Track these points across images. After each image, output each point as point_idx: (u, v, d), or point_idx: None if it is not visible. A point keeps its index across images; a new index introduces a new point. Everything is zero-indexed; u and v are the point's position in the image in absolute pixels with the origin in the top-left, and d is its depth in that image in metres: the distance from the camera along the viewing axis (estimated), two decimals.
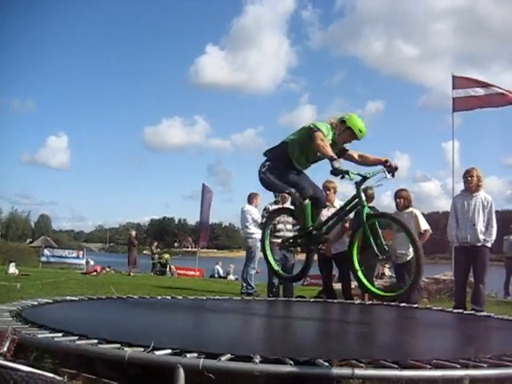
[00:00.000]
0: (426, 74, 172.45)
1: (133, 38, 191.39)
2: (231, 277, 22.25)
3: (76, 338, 3.14)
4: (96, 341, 3.05)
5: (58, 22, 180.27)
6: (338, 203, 7.90)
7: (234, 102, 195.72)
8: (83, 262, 23.56)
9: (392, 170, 4.91)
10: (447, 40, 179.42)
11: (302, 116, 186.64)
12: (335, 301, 7.24)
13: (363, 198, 4.79)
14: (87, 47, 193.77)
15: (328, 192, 7.83)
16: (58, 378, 2.39)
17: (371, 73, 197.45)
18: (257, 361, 2.69)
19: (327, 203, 7.86)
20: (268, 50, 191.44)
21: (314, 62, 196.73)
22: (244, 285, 9.80)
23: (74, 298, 5.71)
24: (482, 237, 6.85)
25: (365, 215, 4.65)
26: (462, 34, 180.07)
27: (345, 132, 4.93)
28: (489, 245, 6.88)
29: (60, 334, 3.24)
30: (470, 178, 7.01)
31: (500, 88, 12.72)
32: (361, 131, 4.87)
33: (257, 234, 9.57)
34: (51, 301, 5.29)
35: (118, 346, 2.94)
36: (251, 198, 9.91)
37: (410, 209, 7.53)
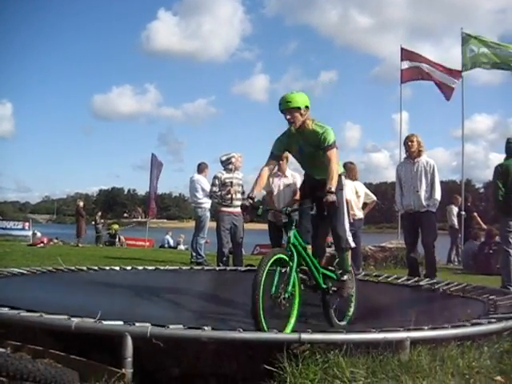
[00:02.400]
0: (380, 45, 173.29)
1: (83, 2, 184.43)
2: (181, 247, 22.17)
3: (22, 310, 3.08)
4: (42, 313, 3.00)
5: None
6: (289, 173, 7.98)
7: (186, 70, 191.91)
8: (29, 233, 22.91)
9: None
10: (401, 11, 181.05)
11: (255, 85, 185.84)
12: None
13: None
14: (33, 10, 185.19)
15: (281, 162, 7.90)
16: (0, 349, 2.35)
17: (325, 42, 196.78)
18: (205, 328, 2.71)
19: (279, 172, 7.95)
20: (222, 17, 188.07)
21: (268, 31, 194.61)
22: (194, 254, 9.80)
23: (18, 271, 5.55)
24: (425, 202, 6.84)
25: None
26: (416, 6, 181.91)
27: None
28: (433, 209, 6.86)
29: (4, 307, 3.16)
30: (410, 144, 7.02)
31: (443, 67, 13.06)
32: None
33: (206, 203, 9.56)
34: None
35: (65, 316, 2.90)
36: (201, 168, 9.86)
37: (352, 183, 7.80)
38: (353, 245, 4.22)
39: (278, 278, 3.40)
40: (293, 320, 3.32)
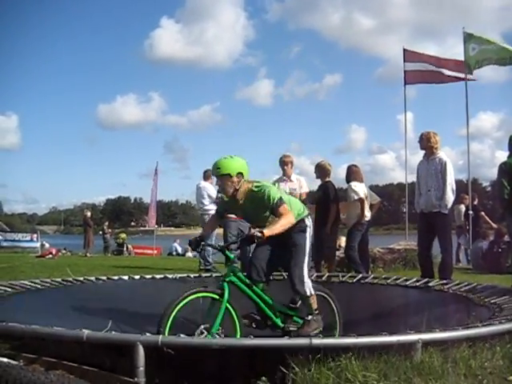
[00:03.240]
0: (383, 46, 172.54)
1: (85, 11, 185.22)
2: (189, 254, 22.15)
3: (32, 322, 3.09)
4: (53, 325, 3.01)
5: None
6: (295, 177, 8.00)
7: (190, 77, 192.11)
8: (37, 245, 23.01)
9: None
10: (404, 12, 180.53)
11: (260, 90, 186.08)
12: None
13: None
14: (36, 22, 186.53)
15: (286, 167, 7.93)
16: (13, 362, 2.36)
17: (329, 45, 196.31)
18: (217, 335, 2.72)
19: (285, 177, 7.97)
20: (225, 23, 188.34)
21: (271, 36, 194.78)
22: (202, 261, 9.80)
23: (28, 283, 5.57)
24: (436, 202, 6.68)
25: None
26: (419, 6, 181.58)
27: None
28: (444, 211, 6.66)
29: (16, 320, 3.18)
30: (423, 142, 6.94)
31: (449, 60, 13.03)
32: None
33: (213, 210, 9.55)
34: (5, 285, 5.17)
35: (76, 328, 2.91)
36: (207, 175, 9.86)
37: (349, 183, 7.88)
38: (310, 293, 3.90)
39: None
40: None
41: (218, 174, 3.96)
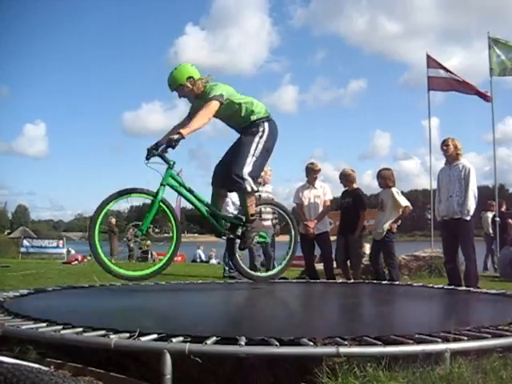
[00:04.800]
0: (408, 51, 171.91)
1: (111, 21, 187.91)
2: (213, 261, 22.25)
3: (60, 327, 3.13)
4: (81, 329, 3.05)
5: (31, 6, 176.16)
6: (319, 184, 7.98)
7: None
8: (64, 251, 23.32)
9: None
10: (430, 16, 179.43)
11: (284, 97, 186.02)
12: (318, 281, 7.31)
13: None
14: (63, 32, 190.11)
15: (313, 175, 7.90)
16: (44, 368, 2.39)
17: (353, 51, 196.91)
18: (242, 343, 2.72)
19: (308, 184, 7.95)
20: (249, 29, 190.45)
21: (296, 42, 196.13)
22: (226, 268, 9.83)
23: (56, 288, 5.67)
24: (458, 208, 6.61)
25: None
26: (446, 10, 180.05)
27: None
28: (466, 218, 6.58)
29: (44, 324, 3.23)
30: (445, 148, 6.88)
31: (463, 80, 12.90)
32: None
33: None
34: (33, 291, 5.25)
35: (103, 333, 2.94)
36: None
37: (390, 188, 7.60)
38: (251, 189, 4.17)
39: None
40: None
41: (171, 90, 4.08)
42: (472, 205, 6.61)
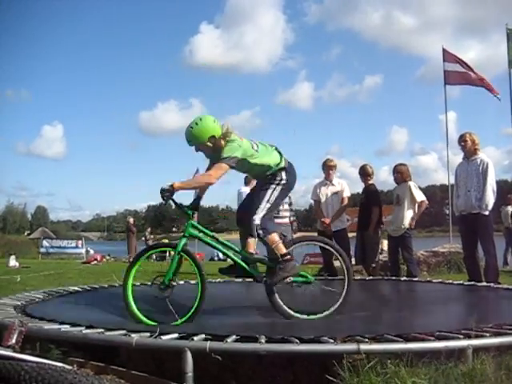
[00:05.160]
0: (425, 45, 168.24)
1: (125, 21, 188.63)
2: (221, 255, 22.29)
3: (83, 327, 3.17)
4: (102, 329, 3.08)
5: (48, 9, 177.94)
6: (336, 181, 7.94)
7: (230, 82, 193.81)
8: (83, 251, 23.58)
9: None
10: (446, 9, 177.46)
11: (300, 93, 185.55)
12: (336, 278, 7.28)
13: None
14: (79, 34, 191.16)
15: (330, 171, 7.85)
16: (67, 366, 2.42)
17: (369, 46, 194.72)
18: (262, 341, 2.72)
19: (326, 181, 7.91)
20: (264, 27, 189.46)
21: (310, 38, 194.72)
22: None
23: (76, 288, 5.72)
24: (476, 203, 6.52)
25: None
26: (462, 2, 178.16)
27: None
28: (485, 212, 6.48)
29: (66, 325, 3.27)
30: (463, 143, 6.78)
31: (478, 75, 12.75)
32: None
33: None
34: (55, 292, 5.31)
35: (124, 332, 2.97)
36: (248, 180, 9.88)
37: (407, 182, 7.55)
38: (264, 234, 4.10)
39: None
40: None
41: (190, 145, 4.05)
42: (490, 199, 6.53)
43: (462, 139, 6.82)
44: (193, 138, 3.99)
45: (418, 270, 7.76)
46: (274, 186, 4.15)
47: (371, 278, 7.25)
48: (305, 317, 3.94)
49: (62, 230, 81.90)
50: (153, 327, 2.97)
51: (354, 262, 8.13)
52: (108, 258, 20.74)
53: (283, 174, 4.21)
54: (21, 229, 74.54)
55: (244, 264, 4.14)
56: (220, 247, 4.21)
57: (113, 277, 7.79)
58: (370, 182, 7.93)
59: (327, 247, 4.50)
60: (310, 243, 4.76)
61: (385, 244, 9.93)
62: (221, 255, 23.74)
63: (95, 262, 16.80)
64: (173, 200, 4.07)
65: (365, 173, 7.93)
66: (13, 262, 14.07)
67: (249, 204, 4.27)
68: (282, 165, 4.22)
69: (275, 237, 4.14)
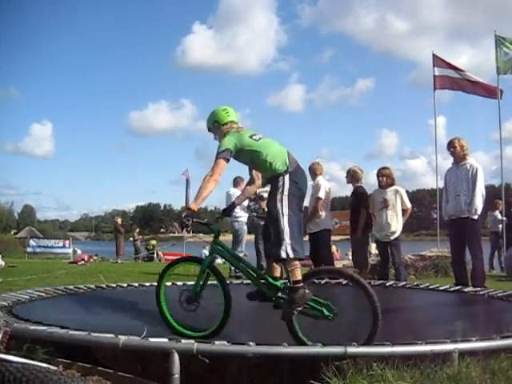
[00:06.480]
0: (417, 49, 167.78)
1: (117, 20, 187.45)
2: (219, 261, 22.18)
3: (69, 328, 3.15)
4: (89, 331, 3.06)
5: (39, 9, 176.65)
6: (316, 182, 7.86)
7: (221, 83, 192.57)
8: (70, 251, 23.39)
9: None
10: (439, 14, 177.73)
11: (291, 96, 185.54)
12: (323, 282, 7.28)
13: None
14: (70, 33, 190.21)
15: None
16: (52, 367, 2.40)
17: (361, 49, 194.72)
18: (250, 343, 2.72)
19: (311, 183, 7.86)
20: (257, 29, 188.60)
21: (303, 40, 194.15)
22: (232, 268, 9.81)
23: (63, 289, 5.68)
24: (465, 207, 6.55)
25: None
26: (454, 8, 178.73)
27: None
28: (474, 217, 6.52)
29: (53, 325, 3.25)
30: (452, 149, 6.82)
31: (481, 83, 12.82)
32: None
33: (243, 217, 9.58)
34: (41, 292, 5.27)
35: (111, 334, 2.96)
36: (237, 182, 9.89)
37: (394, 187, 7.55)
38: (287, 256, 3.67)
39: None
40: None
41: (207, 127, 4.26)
42: (480, 204, 6.58)
43: (451, 145, 6.87)
44: (206, 120, 4.23)
45: (406, 275, 7.78)
46: (277, 197, 3.86)
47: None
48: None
49: (49, 229, 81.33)
50: (140, 329, 2.95)
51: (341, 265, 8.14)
52: (95, 258, 20.59)
53: (286, 181, 3.86)
54: (7, 228, 73.74)
55: (266, 288, 3.93)
56: (242, 267, 4.09)
57: (100, 277, 7.77)
58: (359, 184, 7.94)
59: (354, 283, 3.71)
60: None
61: (373, 247, 9.93)
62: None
63: (82, 262, 16.66)
64: (198, 222, 4.05)
65: (353, 175, 7.93)
66: None
67: (265, 230, 4.05)
68: (285, 168, 3.91)
69: (295, 262, 3.74)
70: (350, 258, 7.91)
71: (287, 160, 3.91)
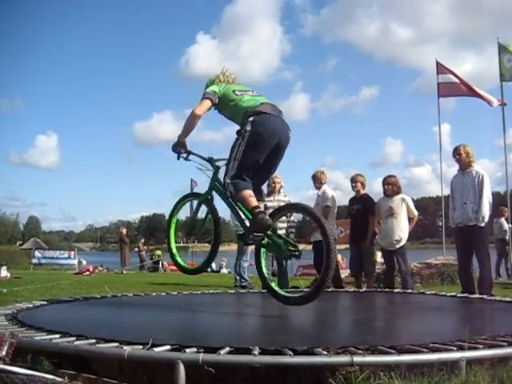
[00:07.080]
0: (421, 57, 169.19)
1: (121, 30, 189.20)
2: (224, 270, 22.23)
3: (74, 338, 3.14)
4: (94, 340, 3.05)
5: (42, 18, 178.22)
6: (322, 191, 7.89)
7: None
8: (75, 262, 23.45)
9: None
10: (442, 21, 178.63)
11: (295, 105, 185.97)
12: (329, 289, 7.27)
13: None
14: (74, 42, 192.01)
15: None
16: (58, 379, 2.39)
17: (365, 58, 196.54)
18: (256, 352, 2.71)
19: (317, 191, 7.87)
20: (261, 38, 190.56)
21: (307, 50, 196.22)
22: (237, 278, 9.80)
23: (68, 299, 5.68)
24: (473, 215, 6.56)
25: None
26: (457, 15, 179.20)
27: None
28: (481, 224, 6.52)
29: (57, 336, 3.24)
30: (458, 156, 6.83)
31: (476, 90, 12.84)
32: None
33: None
34: (46, 302, 5.27)
35: (116, 344, 2.94)
36: None
37: (401, 195, 7.56)
38: (234, 191, 4.17)
39: None
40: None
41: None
42: (487, 211, 6.57)
43: (456, 152, 6.87)
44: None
45: (412, 283, 7.75)
46: (238, 140, 4.10)
47: (365, 290, 7.23)
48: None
49: (54, 240, 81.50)
50: (146, 339, 2.93)
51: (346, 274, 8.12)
52: (100, 268, 20.62)
53: (248, 124, 4.08)
54: (13, 239, 73.94)
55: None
56: (235, 211, 4.39)
57: (105, 288, 7.76)
58: (364, 192, 7.93)
59: (305, 214, 4.35)
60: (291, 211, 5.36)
61: (378, 256, 9.92)
62: (214, 266, 23.68)
63: (87, 272, 16.69)
64: (192, 152, 4.35)
65: (357, 182, 7.92)
66: (4, 272, 13.97)
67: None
68: (254, 109, 4.16)
69: (245, 192, 4.09)
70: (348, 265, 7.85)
71: (254, 106, 4.16)
